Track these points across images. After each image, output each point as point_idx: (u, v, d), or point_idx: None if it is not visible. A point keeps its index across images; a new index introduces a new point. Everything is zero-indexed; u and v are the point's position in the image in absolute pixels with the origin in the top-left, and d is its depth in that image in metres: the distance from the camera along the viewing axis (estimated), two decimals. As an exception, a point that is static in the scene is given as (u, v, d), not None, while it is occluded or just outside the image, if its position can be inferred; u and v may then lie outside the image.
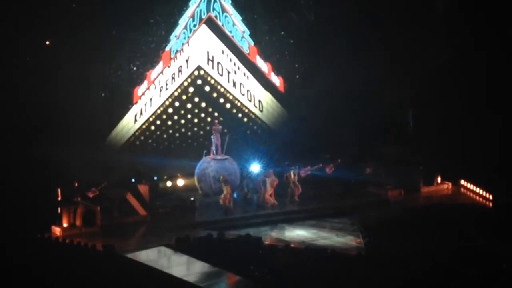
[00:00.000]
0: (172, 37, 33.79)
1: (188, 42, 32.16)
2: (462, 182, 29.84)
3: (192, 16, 33.10)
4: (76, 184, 27.04)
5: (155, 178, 29.82)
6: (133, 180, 28.46)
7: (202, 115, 32.04)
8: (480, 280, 17.33)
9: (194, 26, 32.76)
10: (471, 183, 29.13)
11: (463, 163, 29.66)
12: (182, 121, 32.13)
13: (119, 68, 33.30)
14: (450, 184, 30.15)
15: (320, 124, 32.62)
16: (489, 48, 30.62)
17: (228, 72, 31.74)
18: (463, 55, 31.58)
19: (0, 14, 30.67)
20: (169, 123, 32.09)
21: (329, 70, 32.22)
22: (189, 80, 31.03)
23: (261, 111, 32.85)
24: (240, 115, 32.34)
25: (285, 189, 28.50)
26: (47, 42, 31.87)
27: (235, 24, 33.66)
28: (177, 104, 31.56)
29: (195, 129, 32.41)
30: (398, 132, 31.98)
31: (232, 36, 33.00)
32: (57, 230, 25.09)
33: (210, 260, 19.99)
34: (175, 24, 33.83)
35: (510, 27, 30.31)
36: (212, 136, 30.09)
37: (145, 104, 32.64)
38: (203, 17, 32.40)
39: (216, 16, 32.56)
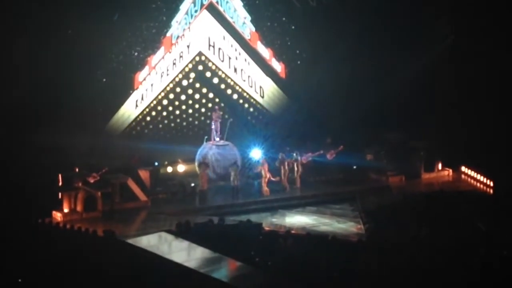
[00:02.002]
0: (173, 22, 33.69)
1: (189, 28, 32.09)
2: (463, 168, 29.83)
3: (193, 2, 32.99)
4: (77, 170, 27.05)
5: (156, 163, 29.83)
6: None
7: (203, 100, 32.04)
8: (480, 267, 17.33)
9: (195, 11, 32.67)
10: (471, 170, 29.12)
11: (464, 150, 29.64)
12: (183, 107, 32.13)
13: (120, 54, 33.18)
14: (450, 170, 30.16)
15: (322, 110, 32.60)
16: (491, 37, 30.53)
17: (229, 58, 31.71)
18: (464, 42, 31.50)
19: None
20: (170, 108, 32.11)
21: (330, 56, 32.16)
22: (190, 65, 31.04)
23: (262, 97, 32.82)
24: (241, 101, 32.35)
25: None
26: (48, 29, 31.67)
27: (236, 10, 33.54)
28: (178, 89, 31.57)
29: (196, 114, 32.42)
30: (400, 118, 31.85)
31: (233, 22, 32.92)
32: (58, 215, 25.14)
33: (210, 245, 19.99)
34: (176, 10, 33.68)
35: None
36: (213, 122, 30.07)
37: (146, 90, 32.63)
38: (204, 2, 32.32)
39: (217, 2, 32.49)
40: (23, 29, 30.58)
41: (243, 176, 28.60)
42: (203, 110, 32.24)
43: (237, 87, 31.94)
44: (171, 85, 31.53)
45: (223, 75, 31.41)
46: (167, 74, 31.69)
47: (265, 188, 27.55)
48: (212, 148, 29.44)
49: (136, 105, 32.76)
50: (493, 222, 21.30)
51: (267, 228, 22.92)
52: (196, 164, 29.28)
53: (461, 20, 31.62)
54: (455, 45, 31.98)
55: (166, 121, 32.51)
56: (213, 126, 29.88)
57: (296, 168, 28.51)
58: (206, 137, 30.19)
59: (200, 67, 31.05)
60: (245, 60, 32.57)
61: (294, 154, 28.52)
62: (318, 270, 17.55)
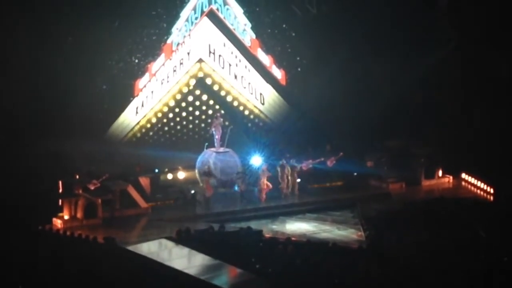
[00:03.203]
0: (173, 29, 33.70)
1: (189, 35, 32.11)
2: (463, 175, 29.84)
3: (194, 9, 33.01)
4: (77, 176, 27.04)
5: (156, 170, 29.83)
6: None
7: (203, 108, 31.98)
8: (481, 274, 17.32)
9: (196, 18, 32.67)
10: (472, 177, 29.12)
11: (464, 157, 29.65)
12: (183, 114, 32.08)
13: (120, 61, 33.19)
14: (451, 177, 30.17)
15: (322, 117, 32.62)
16: (493, 42, 30.57)
17: (230, 65, 31.69)
18: (466, 48, 31.53)
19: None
20: (170, 115, 32.05)
21: (331, 62, 32.20)
22: (190, 73, 31.00)
23: (263, 104, 32.79)
24: (241, 108, 32.30)
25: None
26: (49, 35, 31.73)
27: (237, 17, 33.56)
28: (178, 96, 31.53)
29: (196, 121, 32.36)
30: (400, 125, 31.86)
31: (234, 29, 32.92)
32: (58, 222, 25.14)
33: (211, 252, 20.01)
34: (176, 17, 33.68)
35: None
36: (213, 129, 30.07)
37: (146, 97, 32.60)
38: (205, 9, 32.31)
39: (217, 9, 32.47)
40: (24, 36, 30.62)
41: (243, 183, 28.55)
42: (203, 117, 32.19)
43: (238, 94, 31.92)
44: (171, 92, 31.50)
45: (223, 82, 31.39)
46: (168, 81, 31.67)
47: (263, 196, 27.60)
48: (213, 155, 29.42)
49: (137, 112, 32.73)
50: (493, 229, 21.31)
51: (267, 235, 22.93)
52: (197, 173, 29.26)
53: (461, 25, 31.64)
54: (455, 51, 31.99)
55: (166, 128, 32.46)
56: (214, 133, 29.89)
57: (292, 175, 28.52)
58: (206, 143, 30.17)
59: (201, 74, 31.03)
60: (246, 67, 32.56)
61: (291, 161, 28.56)
62: (319, 277, 17.56)
